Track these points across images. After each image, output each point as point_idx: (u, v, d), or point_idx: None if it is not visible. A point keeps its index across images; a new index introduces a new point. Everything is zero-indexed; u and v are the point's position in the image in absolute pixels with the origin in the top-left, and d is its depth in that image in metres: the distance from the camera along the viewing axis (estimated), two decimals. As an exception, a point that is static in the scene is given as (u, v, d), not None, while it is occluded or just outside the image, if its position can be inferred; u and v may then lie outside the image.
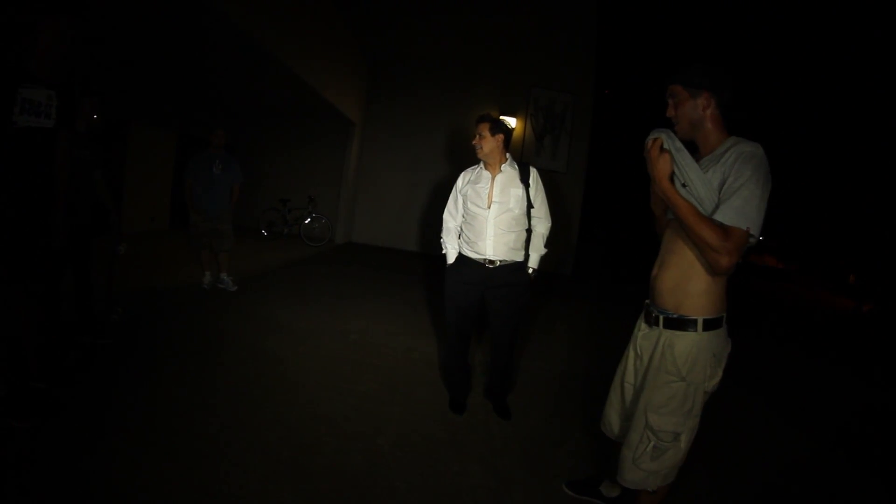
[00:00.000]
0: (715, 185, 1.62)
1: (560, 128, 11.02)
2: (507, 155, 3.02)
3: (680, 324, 1.73)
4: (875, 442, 3.76)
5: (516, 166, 3.00)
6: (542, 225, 3.05)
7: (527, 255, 3.04)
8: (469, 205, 3.02)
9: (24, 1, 2.50)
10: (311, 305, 5.36)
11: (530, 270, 3.04)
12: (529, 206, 2.97)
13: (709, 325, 1.70)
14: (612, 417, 2.10)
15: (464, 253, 3.05)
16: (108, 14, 5.12)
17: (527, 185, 2.95)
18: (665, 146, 1.73)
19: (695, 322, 1.70)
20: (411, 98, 11.28)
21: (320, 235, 10.65)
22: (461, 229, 3.11)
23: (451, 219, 3.18)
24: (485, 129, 2.92)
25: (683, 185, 1.69)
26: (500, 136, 2.93)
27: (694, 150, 1.86)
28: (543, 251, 3.07)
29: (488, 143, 2.92)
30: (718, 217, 1.56)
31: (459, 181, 3.17)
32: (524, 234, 3.01)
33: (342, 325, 4.74)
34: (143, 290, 5.15)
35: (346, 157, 11.02)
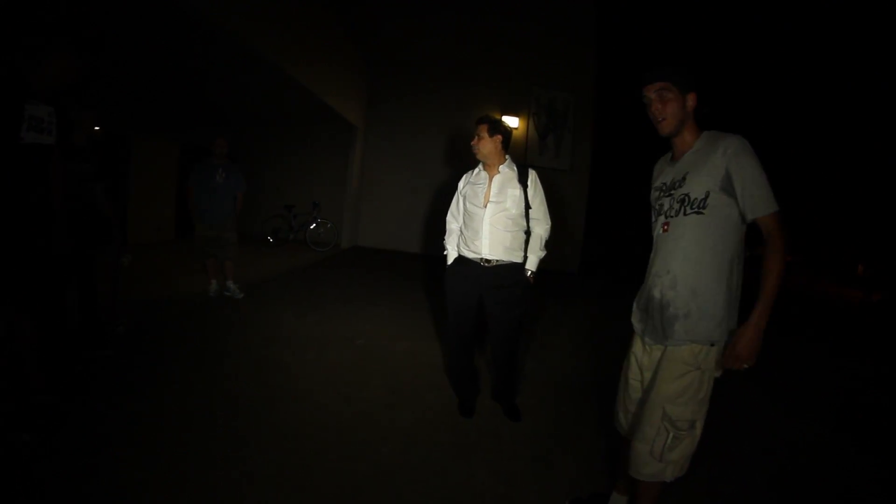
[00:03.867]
0: (718, 177, 1.69)
1: (563, 126, 10.98)
2: (507, 156, 3.02)
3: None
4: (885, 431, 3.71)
5: (515, 168, 2.99)
6: (540, 227, 3.03)
7: (525, 257, 3.02)
8: (467, 204, 3.03)
9: (33, 21, 2.52)
10: (317, 311, 5.35)
11: (528, 273, 3.01)
12: (528, 207, 2.96)
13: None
14: (621, 413, 2.10)
15: (462, 253, 3.05)
16: (108, 26, 5.15)
17: (525, 187, 2.94)
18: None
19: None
20: (412, 100, 11.29)
21: (326, 240, 10.67)
22: (461, 230, 3.10)
23: (454, 220, 3.19)
24: (483, 131, 2.93)
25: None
26: (499, 137, 2.93)
27: (666, 148, 1.99)
28: (542, 253, 3.05)
29: (486, 145, 2.92)
30: (752, 214, 1.66)
31: (461, 182, 3.19)
32: (522, 236, 2.99)
33: (348, 331, 4.73)
34: (149, 301, 5.16)
35: (350, 161, 11.03)
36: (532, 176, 2.98)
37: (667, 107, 1.83)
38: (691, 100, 1.82)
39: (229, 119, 11.09)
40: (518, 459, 2.71)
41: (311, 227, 10.68)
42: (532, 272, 3.02)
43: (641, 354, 1.98)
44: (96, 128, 3.48)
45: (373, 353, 4.19)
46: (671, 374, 1.78)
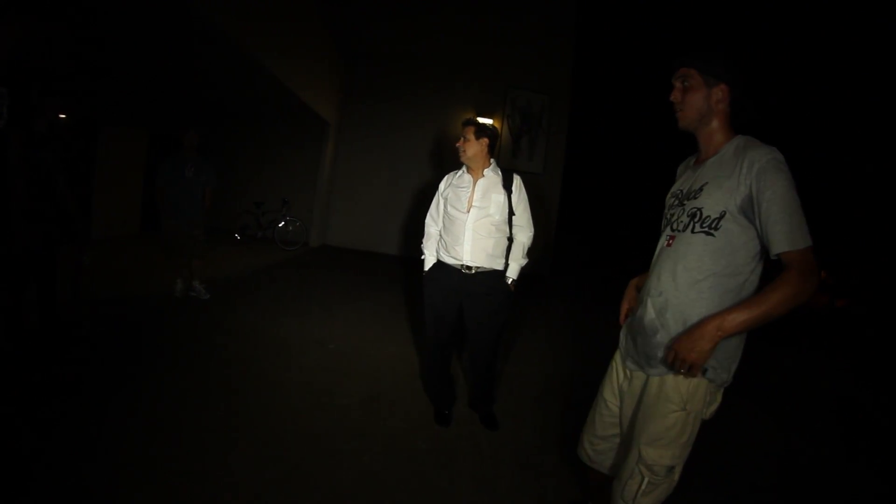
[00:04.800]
0: (738, 197, 1.45)
1: (537, 128, 11.01)
2: (492, 160, 2.97)
3: None
4: (858, 431, 3.81)
5: (500, 172, 2.94)
6: (523, 234, 2.97)
7: (507, 265, 2.96)
8: (449, 208, 2.95)
9: None
10: (287, 313, 5.21)
11: (509, 280, 2.95)
12: (511, 213, 2.91)
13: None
14: (587, 440, 1.94)
15: (441, 258, 2.97)
16: (73, 8, 4.90)
17: (509, 192, 2.89)
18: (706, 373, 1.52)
19: None
20: (387, 98, 11.13)
21: (295, 239, 10.45)
22: (440, 234, 3.03)
23: (433, 223, 3.10)
24: (470, 133, 2.87)
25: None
26: (485, 140, 2.88)
27: (693, 147, 1.74)
28: (524, 261, 2.99)
29: (472, 147, 2.86)
30: (780, 247, 1.39)
31: (442, 184, 3.11)
32: (505, 242, 2.93)
33: (320, 334, 4.61)
34: (111, 300, 4.94)
35: (321, 159, 10.82)
36: (517, 181, 2.93)
37: (686, 95, 1.62)
38: (719, 93, 1.57)
39: (200, 110, 10.72)
40: (499, 468, 2.68)
41: (280, 224, 10.44)
42: (513, 280, 2.97)
43: (622, 378, 1.79)
44: (61, 115, 3.28)
45: (347, 358, 4.09)
46: (652, 413, 1.58)
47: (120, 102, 8.64)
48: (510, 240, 2.97)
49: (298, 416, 2.97)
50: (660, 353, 1.58)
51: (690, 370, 1.45)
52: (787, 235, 1.37)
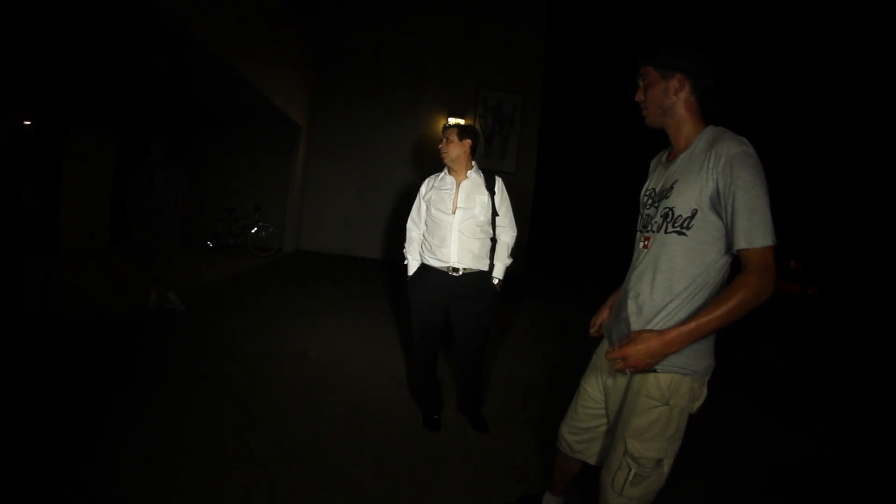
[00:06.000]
0: (706, 194, 1.43)
1: (509, 129, 11.06)
2: (473, 162, 2.96)
3: None
4: (846, 423, 3.89)
5: (482, 174, 2.93)
6: (506, 234, 2.99)
7: (492, 266, 2.97)
8: (433, 210, 2.92)
9: None
10: (264, 322, 5.10)
11: (495, 281, 2.96)
12: (494, 214, 2.91)
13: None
14: (566, 430, 1.96)
15: (426, 261, 2.95)
16: (35, 9, 4.71)
17: (492, 193, 2.90)
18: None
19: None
20: (358, 101, 11.02)
21: (268, 245, 10.27)
22: (424, 237, 3.00)
23: (415, 227, 3.07)
24: (452, 134, 2.87)
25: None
26: (468, 142, 2.88)
27: (665, 142, 1.70)
28: (508, 261, 3.01)
29: (455, 148, 2.86)
30: (741, 244, 1.36)
31: (423, 188, 3.07)
32: (489, 243, 2.94)
33: (300, 343, 4.51)
34: (82, 315, 4.76)
35: (293, 163, 10.64)
36: (499, 183, 2.95)
37: (646, 92, 1.62)
38: (676, 83, 1.56)
39: (169, 115, 10.47)
40: (494, 473, 2.66)
41: (253, 231, 10.26)
42: (499, 280, 2.97)
43: (606, 375, 1.78)
44: (26, 122, 3.12)
45: (330, 367, 4.01)
46: (635, 408, 1.57)
47: (86, 107, 8.36)
48: (493, 241, 2.97)
49: (282, 432, 2.88)
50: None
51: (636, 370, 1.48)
52: (745, 232, 1.35)
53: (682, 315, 1.48)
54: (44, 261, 3.45)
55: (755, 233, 1.34)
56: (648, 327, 1.52)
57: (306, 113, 10.58)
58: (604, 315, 1.93)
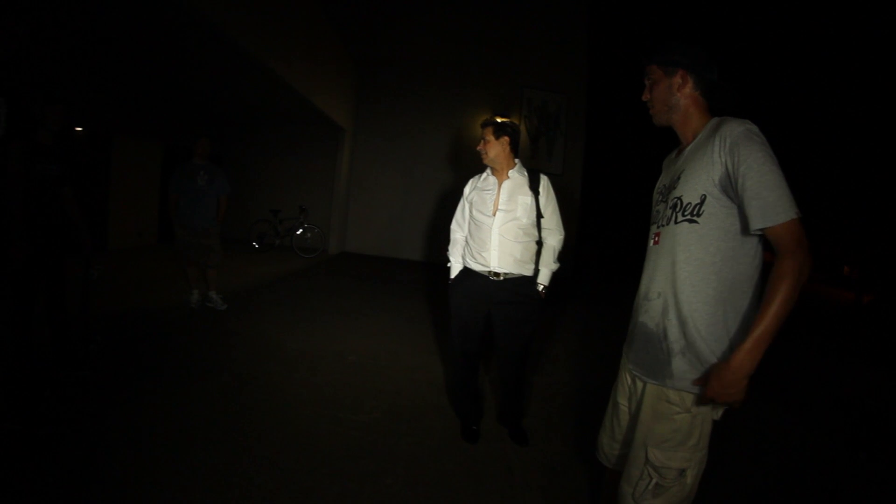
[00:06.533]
0: (714, 177, 1.36)
1: (555, 129, 10.81)
2: (517, 160, 2.80)
3: None
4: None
5: (526, 173, 2.76)
6: (553, 237, 2.79)
7: (537, 270, 2.78)
8: (474, 212, 2.78)
9: None
10: (304, 323, 5.07)
11: (540, 288, 2.77)
12: (539, 215, 2.73)
13: None
14: (606, 443, 1.83)
15: (468, 265, 2.81)
16: (87, 19, 4.85)
17: (536, 193, 2.71)
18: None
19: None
20: (401, 102, 11.04)
21: (313, 246, 10.38)
22: (467, 240, 2.86)
23: (459, 229, 2.95)
24: (489, 133, 2.72)
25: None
26: (506, 139, 2.72)
27: (675, 141, 1.65)
28: (555, 266, 2.81)
29: (493, 148, 2.72)
30: (760, 223, 1.27)
31: (466, 188, 2.94)
32: (533, 247, 2.76)
33: (339, 345, 4.45)
34: (127, 312, 4.86)
35: (337, 165, 10.74)
36: (544, 182, 2.76)
37: (652, 91, 1.60)
38: (679, 79, 1.54)
39: (215, 120, 10.77)
40: (531, 489, 2.48)
41: (298, 232, 10.37)
42: (544, 287, 2.78)
43: (630, 381, 1.69)
44: (77, 129, 3.17)
45: (367, 371, 3.92)
46: (655, 414, 1.48)
47: (133, 113, 8.66)
48: (539, 244, 2.80)
49: (315, 435, 2.80)
50: (674, 363, 1.45)
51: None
52: (762, 210, 1.26)
53: (718, 312, 1.39)
54: (83, 260, 3.48)
55: (775, 209, 1.25)
56: (689, 330, 1.42)
57: (350, 115, 10.65)
58: None
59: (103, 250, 8.41)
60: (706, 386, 1.35)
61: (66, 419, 2.70)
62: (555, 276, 2.86)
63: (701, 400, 1.41)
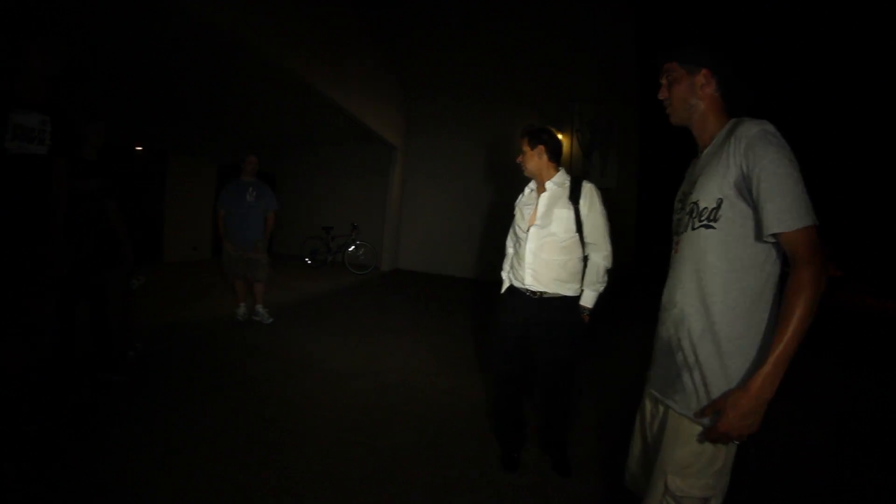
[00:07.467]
0: (730, 180, 1.28)
1: (608, 142, 10.51)
2: (559, 168, 2.62)
3: None
4: None
5: (567, 182, 2.56)
6: (597, 253, 2.55)
7: (581, 290, 2.57)
8: (516, 227, 2.67)
9: (13, 27, 2.42)
10: (350, 339, 5.03)
11: (583, 310, 2.56)
12: (581, 228, 2.52)
13: None
14: (634, 469, 1.76)
15: (511, 282, 2.67)
16: (142, 45, 5.10)
17: (577, 204, 2.50)
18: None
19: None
20: (450, 119, 11.07)
21: (365, 263, 10.48)
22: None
23: (510, 244, 2.82)
24: (524, 144, 2.61)
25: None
26: (541, 148, 2.57)
27: (692, 143, 1.56)
28: (600, 286, 2.58)
29: (530, 159, 2.59)
30: (773, 227, 1.20)
31: (517, 202, 2.79)
32: (577, 264, 2.55)
33: (378, 365, 4.35)
34: (174, 323, 5.01)
35: (389, 183, 10.86)
36: (586, 189, 2.52)
37: (671, 89, 1.52)
38: (702, 78, 1.45)
39: (268, 140, 11.11)
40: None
41: (350, 249, 10.50)
42: (587, 309, 2.57)
43: (651, 403, 1.60)
44: (138, 148, 3.33)
45: (407, 392, 3.79)
46: (676, 437, 1.38)
47: (189, 133, 9.07)
48: (586, 259, 2.59)
49: (349, 457, 2.70)
50: (684, 378, 1.38)
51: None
52: (775, 215, 1.19)
53: (736, 325, 1.30)
54: (126, 270, 3.61)
55: (789, 213, 1.18)
56: (702, 344, 1.34)
57: (400, 134, 10.76)
58: None
59: (158, 263, 8.83)
60: (716, 418, 1.26)
61: (99, 421, 2.78)
62: (607, 291, 2.65)
63: (711, 435, 1.28)
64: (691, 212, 1.40)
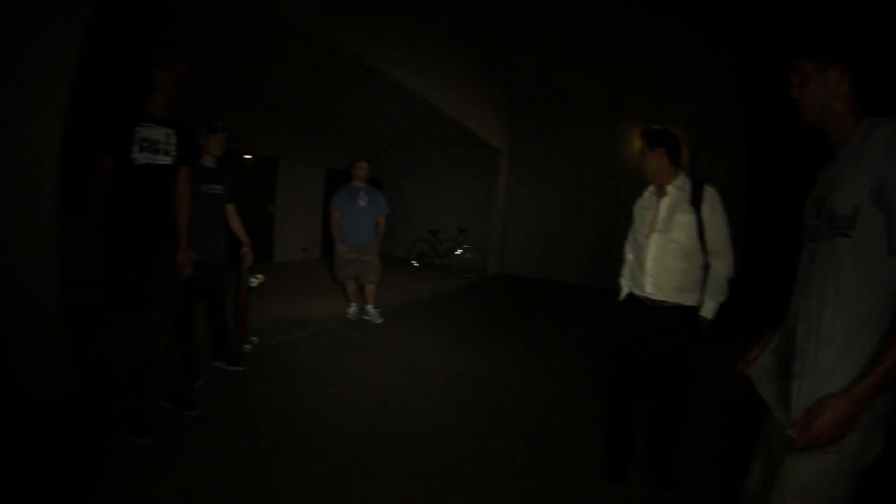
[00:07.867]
0: (867, 186, 1.18)
1: (715, 141, 9.94)
2: (680, 172, 2.52)
3: None
4: None
5: (688, 186, 2.45)
6: (718, 262, 2.41)
7: (702, 300, 2.45)
8: (636, 232, 2.61)
9: (145, 52, 2.76)
10: (455, 342, 5.15)
11: (703, 320, 2.43)
12: (703, 235, 2.40)
13: None
14: (754, 490, 1.63)
15: (631, 289, 2.63)
16: (254, 57, 5.59)
17: (699, 209, 2.39)
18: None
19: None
20: (554, 121, 10.85)
21: (472, 266, 10.60)
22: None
23: (629, 250, 2.75)
24: (643, 146, 2.51)
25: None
26: (662, 150, 2.47)
27: (825, 144, 1.42)
28: (721, 297, 2.43)
29: (650, 161, 2.51)
30: None
31: (635, 207, 2.73)
32: (698, 272, 2.44)
33: (484, 368, 4.42)
34: (287, 320, 5.38)
35: (496, 186, 10.93)
36: (709, 195, 2.40)
37: (804, 88, 1.38)
38: (835, 75, 1.32)
39: (374, 144, 11.56)
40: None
41: (457, 252, 10.67)
42: (707, 320, 2.44)
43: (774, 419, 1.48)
44: (246, 156, 3.65)
45: (505, 396, 3.80)
46: (798, 455, 1.26)
47: (299, 140, 9.79)
48: (707, 267, 2.46)
49: (444, 461, 2.77)
50: (794, 386, 1.31)
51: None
52: None
53: (858, 336, 1.21)
54: (244, 268, 3.99)
55: None
56: (825, 356, 1.25)
57: (504, 137, 10.78)
58: (755, 353, 1.69)
59: (269, 263, 9.54)
60: (807, 423, 1.19)
61: (212, 406, 3.11)
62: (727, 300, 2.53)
63: (799, 441, 1.20)
64: (828, 219, 1.30)
